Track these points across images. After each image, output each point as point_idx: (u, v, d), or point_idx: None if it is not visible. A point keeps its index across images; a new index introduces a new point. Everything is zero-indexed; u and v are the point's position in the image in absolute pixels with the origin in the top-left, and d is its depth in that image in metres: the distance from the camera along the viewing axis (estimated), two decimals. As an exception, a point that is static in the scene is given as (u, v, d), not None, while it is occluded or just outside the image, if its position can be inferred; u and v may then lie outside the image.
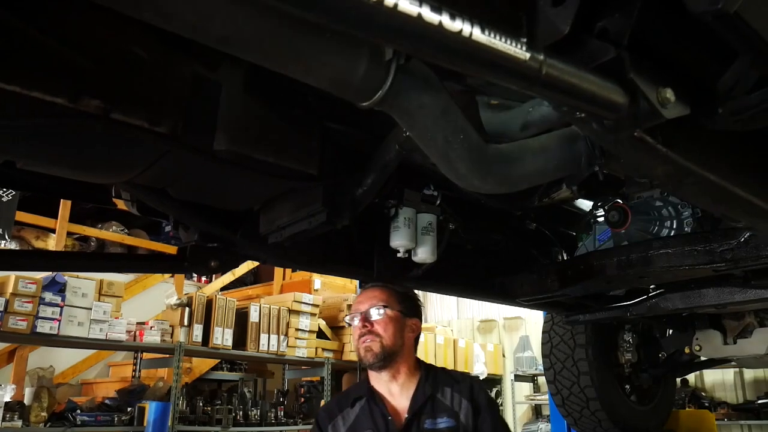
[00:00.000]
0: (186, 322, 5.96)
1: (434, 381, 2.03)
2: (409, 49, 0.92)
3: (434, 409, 1.95)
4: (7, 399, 4.84)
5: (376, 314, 2.05)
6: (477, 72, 0.96)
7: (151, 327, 5.79)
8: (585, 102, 1.05)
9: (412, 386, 2.02)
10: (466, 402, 1.98)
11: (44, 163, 1.67)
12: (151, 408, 5.35)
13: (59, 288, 5.14)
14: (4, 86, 1.21)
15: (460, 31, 0.84)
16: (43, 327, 4.93)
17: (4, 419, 4.68)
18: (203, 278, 8.11)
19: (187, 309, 6.00)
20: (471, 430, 1.92)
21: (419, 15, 0.80)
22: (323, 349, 7.15)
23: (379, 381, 2.04)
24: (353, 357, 7.18)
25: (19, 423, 4.79)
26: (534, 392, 9.30)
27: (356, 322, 2.06)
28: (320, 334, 7.23)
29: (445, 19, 0.82)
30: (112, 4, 0.88)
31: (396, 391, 2.02)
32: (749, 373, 7.76)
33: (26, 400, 5.05)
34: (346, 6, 0.75)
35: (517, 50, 0.91)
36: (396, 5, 0.77)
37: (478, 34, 0.85)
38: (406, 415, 1.94)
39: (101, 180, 1.93)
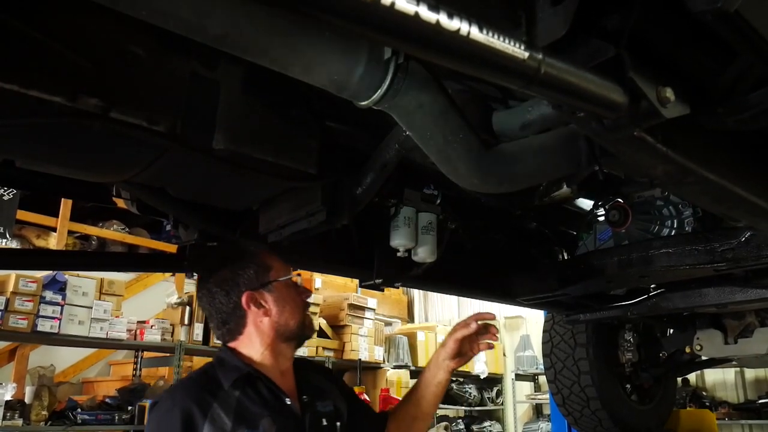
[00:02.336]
0: (187, 321, 5.97)
1: (303, 365, 1.80)
2: (407, 48, 0.91)
3: (318, 393, 1.70)
4: (8, 398, 4.84)
5: None
6: (475, 71, 0.96)
7: (151, 326, 5.80)
8: (584, 101, 1.05)
9: (292, 372, 1.73)
10: (332, 385, 1.79)
11: (43, 162, 1.67)
12: (150, 406, 5.35)
13: (60, 287, 5.14)
14: (3, 85, 1.21)
15: (458, 30, 0.84)
16: (44, 326, 4.93)
17: (4, 418, 4.68)
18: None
19: (187, 308, 6.00)
20: (345, 415, 1.70)
21: (416, 14, 0.79)
22: (324, 348, 7.15)
23: (280, 358, 1.67)
24: (353, 356, 7.20)
25: (19, 422, 4.79)
26: (535, 391, 9.30)
27: (303, 287, 1.77)
28: (321, 333, 7.23)
29: (443, 18, 0.82)
30: (109, 4, 0.88)
31: (287, 371, 1.70)
32: (750, 373, 7.75)
33: (27, 399, 5.05)
34: (343, 5, 0.74)
35: (516, 49, 0.90)
36: (393, 4, 0.76)
37: (476, 33, 0.85)
38: (304, 397, 1.64)
39: (100, 179, 1.92)
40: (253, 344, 1.65)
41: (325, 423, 1.63)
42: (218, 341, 1.76)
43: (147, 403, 5.44)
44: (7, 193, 5.90)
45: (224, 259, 1.73)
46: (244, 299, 1.63)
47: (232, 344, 1.68)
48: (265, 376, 1.61)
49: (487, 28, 0.87)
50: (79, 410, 5.15)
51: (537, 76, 0.95)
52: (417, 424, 1.88)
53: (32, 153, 1.59)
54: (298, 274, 1.76)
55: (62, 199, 6.20)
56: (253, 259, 1.70)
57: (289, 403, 1.60)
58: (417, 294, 10.66)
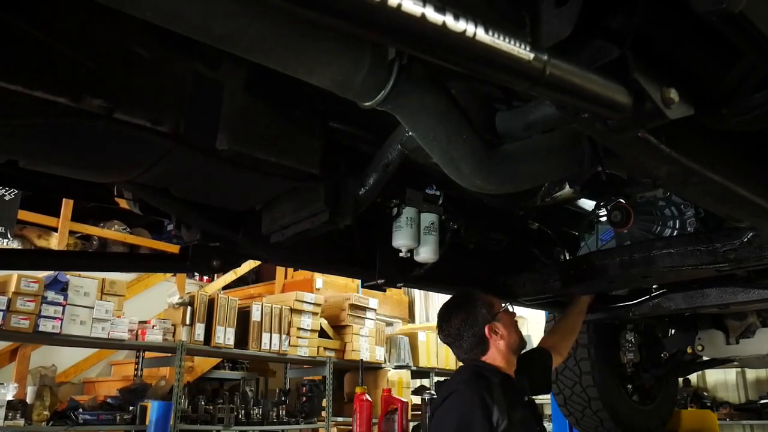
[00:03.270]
0: (188, 321, 5.95)
1: None
2: (413, 49, 0.91)
3: (527, 390, 2.34)
4: (10, 398, 4.84)
5: None
6: (480, 72, 0.96)
7: (153, 326, 5.79)
8: (589, 102, 1.05)
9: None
10: (521, 375, 2.37)
11: (46, 163, 1.67)
12: (153, 407, 5.34)
13: (61, 287, 5.13)
14: (7, 86, 1.21)
15: (464, 31, 0.83)
16: (46, 326, 4.92)
17: (6, 418, 4.68)
18: (205, 277, 8.10)
19: (189, 308, 6.00)
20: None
21: (423, 15, 0.79)
22: (325, 348, 7.14)
23: (512, 366, 2.29)
24: (355, 356, 7.19)
25: (21, 422, 4.78)
26: (536, 391, 9.28)
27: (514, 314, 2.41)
28: (322, 333, 7.22)
29: (449, 20, 0.82)
30: (114, 5, 0.88)
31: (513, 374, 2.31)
32: (751, 373, 7.74)
33: (29, 399, 5.05)
34: (350, 6, 0.74)
35: (521, 51, 0.90)
36: (400, 5, 0.76)
37: (481, 34, 0.85)
38: (530, 397, 2.34)
39: (103, 179, 1.92)
40: (496, 359, 2.25)
41: (537, 411, 2.33)
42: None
43: (148, 403, 5.44)
44: (9, 193, 5.91)
45: (458, 306, 2.33)
46: (486, 331, 2.24)
47: (481, 359, 2.26)
48: (510, 378, 2.22)
49: (492, 29, 0.86)
50: (80, 410, 5.15)
51: (542, 77, 0.95)
52: (573, 336, 2.96)
53: (36, 153, 1.59)
54: (509, 302, 2.46)
55: (63, 199, 6.20)
56: (479, 300, 2.30)
57: (526, 399, 2.26)
58: (418, 294, 10.66)
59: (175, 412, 5.48)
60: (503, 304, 2.37)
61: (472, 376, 2.19)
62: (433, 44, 0.85)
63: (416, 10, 0.78)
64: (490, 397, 2.05)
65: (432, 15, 0.80)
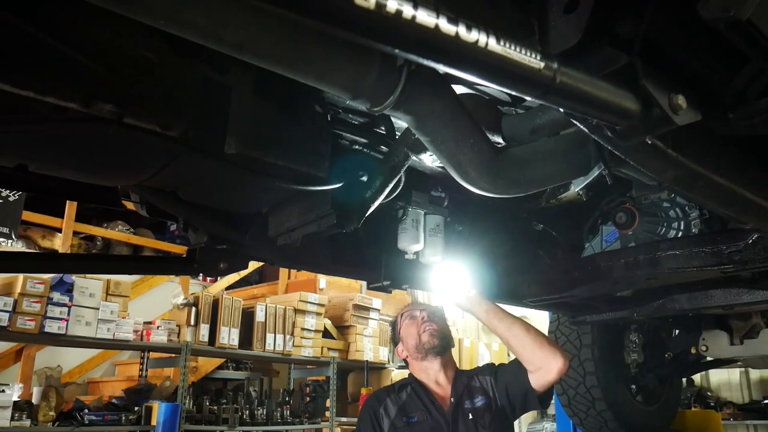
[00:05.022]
0: (193, 322, 5.97)
1: (467, 374, 2.32)
2: (427, 59, 0.92)
3: (471, 393, 2.23)
4: (16, 398, 4.86)
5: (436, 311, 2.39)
6: (492, 81, 0.96)
7: (158, 327, 5.81)
8: (598, 109, 1.05)
9: (450, 381, 2.28)
10: (490, 378, 2.27)
11: (56, 167, 1.68)
12: (160, 409, 5.34)
13: (67, 288, 5.15)
14: (18, 91, 1.22)
15: (476, 41, 0.84)
16: (51, 327, 4.95)
17: (12, 418, 4.69)
18: (209, 278, 8.11)
19: (193, 309, 6.01)
20: (499, 398, 2.21)
21: (436, 26, 0.80)
22: (329, 349, 7.15)
23: (429, 371, 2.28)
24: (359, 356, 7.20)
25: (27, 422, 4.80)
26: (539, 391, 9.28)
27: (417, 313, 2.32)
28: (326, 334, 7.24)
29: (462, 30, 0.83)
30: (128, 13, 0.89)
31: (442, 382, 2.27)
32: (755, 373, 7.74)
33: (34, 400, 5.07)
34: (365, 18, 0.75)
35: (532, 59, 0.91)
36: (414, 17, 0.77)
37: (493, 44, 0.86)
38: (451, 400, 2.21)
39: (113, 183, 1.94)
40: (411, 368, 2.34)
41: (471, 417, 2.17)
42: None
43: (154, 403, 5.45)
44: (13, 194, 5.93)
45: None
46: (397, 355, 2.40)
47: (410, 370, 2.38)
48: (423, 386, 2.26)
49: (503, 38, 0.87)
50: (86, 411, 5.17)
51: (553, 85, 0.95)
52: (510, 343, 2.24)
53: (46, 157, 1.60)
54: (419, 311, 2.33)
55: (68, 200, 6.22)
56: (393, 326, 2.42)
57: (439, 403, 2.20)
58: (421, 294, 10.65)
59: (181, 413, 5.49)
60: (404, 314, 2.37)
61: (385, 386, 2.44)
62: (447, 55, 0.85)
63: (430, 21, 0.79)
64: (379, 401, 2.26)
65: (445, 26, 0.81)
